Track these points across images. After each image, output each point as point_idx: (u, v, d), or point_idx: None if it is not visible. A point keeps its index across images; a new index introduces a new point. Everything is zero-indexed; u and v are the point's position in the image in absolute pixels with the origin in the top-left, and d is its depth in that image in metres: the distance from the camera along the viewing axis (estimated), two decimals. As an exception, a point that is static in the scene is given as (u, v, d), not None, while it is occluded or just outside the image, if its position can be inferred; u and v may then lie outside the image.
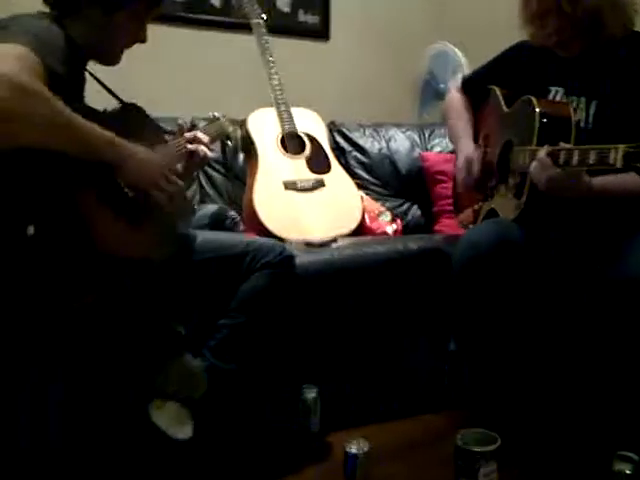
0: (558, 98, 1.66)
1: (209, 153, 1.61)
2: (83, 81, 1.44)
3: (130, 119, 1.47)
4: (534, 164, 1.48)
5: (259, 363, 1.61)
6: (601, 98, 1.59)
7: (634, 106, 1.53)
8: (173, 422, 1.41)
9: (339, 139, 2.71)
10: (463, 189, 1.84)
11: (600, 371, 1.59)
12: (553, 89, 1.67)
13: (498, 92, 1.80)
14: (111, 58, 1.46)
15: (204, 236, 1.60)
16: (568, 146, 1.45)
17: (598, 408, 1.60)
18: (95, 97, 1.49)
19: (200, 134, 1.62)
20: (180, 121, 1.71)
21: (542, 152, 1.46)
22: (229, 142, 1.89)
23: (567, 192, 1.48)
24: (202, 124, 2.34)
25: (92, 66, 1.49)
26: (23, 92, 1.06)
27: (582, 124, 1.59)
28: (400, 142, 2.75)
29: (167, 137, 1.66)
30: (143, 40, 1.48)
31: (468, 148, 1.81)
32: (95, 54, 1.44)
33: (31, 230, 1.13)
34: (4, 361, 1.22)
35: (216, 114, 1.87)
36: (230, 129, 1.84)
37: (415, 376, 1.96)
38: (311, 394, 1.60)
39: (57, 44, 1.25)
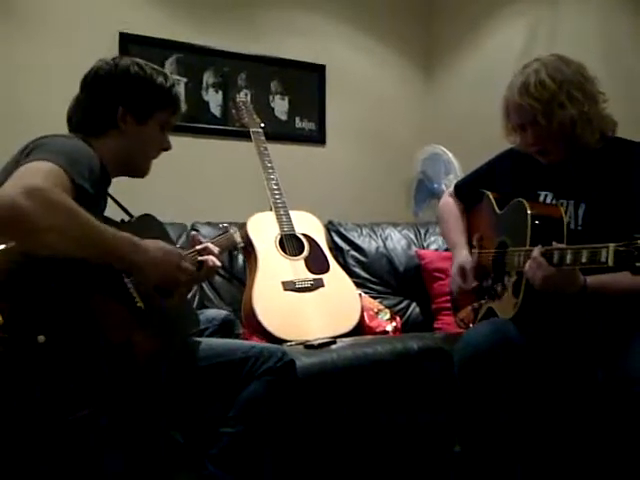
0: (548, 201, 1.72)
1: (217, 262, 1.65)
2: (105, 201, 1.51)
3: (145, 227, 1.51)
4: (529, 263, 1.52)
5: (262, 470, 1.57)
6: (589, 201, 1.65)
7: (621, 208, 1.58)
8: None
9: (337, 239, 2.76)
10: (459, 295, 1.89)
11: (608, 468, 1.56)
12: (542, 193, 1.74)
13: (490, 195, 1.86)
14: (143, 169, 1.55)
15: (205, 342, 1.60)
16: (561, 246, 1.49)
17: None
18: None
19: (211, 245, 1.68)
20: (193, 233, 1.77)
21: (536, 252, 1.50)
22: (237, 252, 1.96)
23: (562, 291, 1.52)
24: (204, 229, 2.43)
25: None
26: (50, 205, 1.12)
27: (572, 225, 1.65)
28: (397, 241, 2.81)
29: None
30: (168, 147, 1.57)
31: (461, 257, 1.87)
32: (127, 169, 1.52)
33: (42, 339, 1.14)
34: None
35: (226, 225, 1.97)
36: (239, 239, 1.91)
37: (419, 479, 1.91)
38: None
39: (87, 164, 1.31)
